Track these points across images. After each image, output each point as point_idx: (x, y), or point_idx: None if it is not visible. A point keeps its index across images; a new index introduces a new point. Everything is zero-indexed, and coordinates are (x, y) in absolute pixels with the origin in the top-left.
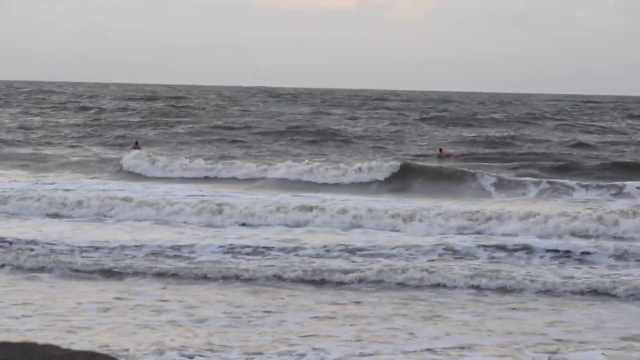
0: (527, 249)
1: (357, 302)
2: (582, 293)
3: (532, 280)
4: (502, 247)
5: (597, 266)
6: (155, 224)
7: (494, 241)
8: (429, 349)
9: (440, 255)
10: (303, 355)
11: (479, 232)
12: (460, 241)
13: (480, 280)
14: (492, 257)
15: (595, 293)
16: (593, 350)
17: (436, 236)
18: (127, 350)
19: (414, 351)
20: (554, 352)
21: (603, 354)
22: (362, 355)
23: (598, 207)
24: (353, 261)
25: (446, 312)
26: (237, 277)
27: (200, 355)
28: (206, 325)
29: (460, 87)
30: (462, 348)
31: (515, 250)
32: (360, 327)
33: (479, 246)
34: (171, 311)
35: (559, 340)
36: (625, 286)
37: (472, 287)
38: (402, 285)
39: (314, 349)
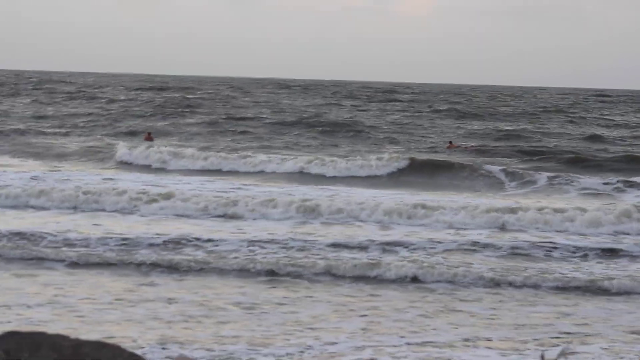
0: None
1: (373, 295)
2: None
3: (549, 274)
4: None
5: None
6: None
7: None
8: (432, 342)
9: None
10: (309, 347)
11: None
12: (479, 234)
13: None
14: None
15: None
16: (593, 344)
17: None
18: (135, 341)
19: (418, 343)
20: (568, 343)
21: (603, 347)
22: (364, 347)
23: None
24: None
25: (460, 306)
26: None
27: (206, 349)
28: (216, 316)
29: (471, 80)
30: (467, 340)
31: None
32: (371, 319)
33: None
34: (183, 302)
35: (567, 333)
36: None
37: (492, 282)
38: (416, 279)
39: (320, 340)
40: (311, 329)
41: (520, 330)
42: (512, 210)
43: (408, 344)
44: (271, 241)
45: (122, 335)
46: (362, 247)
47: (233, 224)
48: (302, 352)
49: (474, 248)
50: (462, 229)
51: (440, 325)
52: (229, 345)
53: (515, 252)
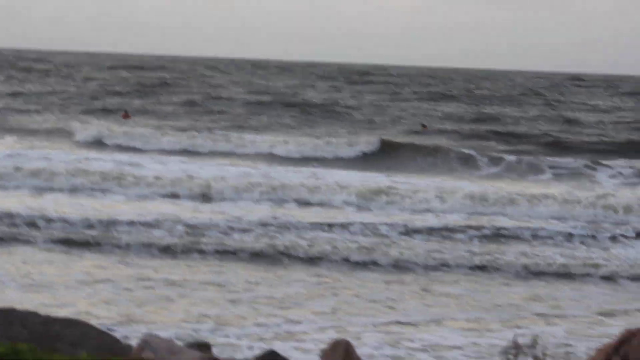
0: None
1: (350, 277)
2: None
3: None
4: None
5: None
6: None
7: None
8: (399, 322)
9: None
10: (277, 325)
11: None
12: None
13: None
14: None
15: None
16: (557, 325)
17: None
18: (103, 318)
19: (384, 323)
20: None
21: (567, 329)
22: (331, 327)
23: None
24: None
25: (438, 287)
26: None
27: (173, 327)
28: (188, 296)
29: (445, 63)
30: (435, 321)
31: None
32: (345, 299)
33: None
34: (156, 281)
35: (538, 314)
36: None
37: (470, 265)
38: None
39: (288, 320)
40: (282, 308)
41: (491, 311)
42: (483, 195)
43: (374, 324)
44: (248, 222)
45: (93, 313)
46: (344, 226)
47: (208, 207)
48: (266, 330)
49: (450, 231)
50: (434, 211)
51: (413, 306)
52: (196, 324)
53: (494, 235)
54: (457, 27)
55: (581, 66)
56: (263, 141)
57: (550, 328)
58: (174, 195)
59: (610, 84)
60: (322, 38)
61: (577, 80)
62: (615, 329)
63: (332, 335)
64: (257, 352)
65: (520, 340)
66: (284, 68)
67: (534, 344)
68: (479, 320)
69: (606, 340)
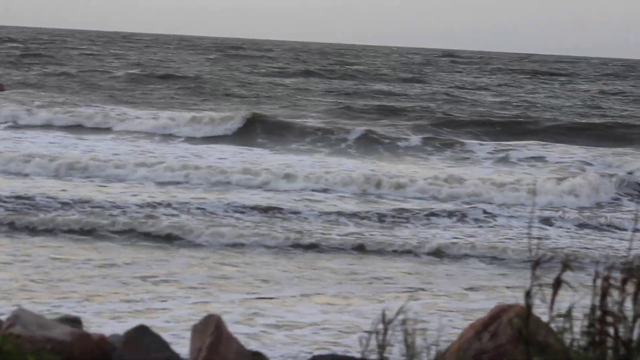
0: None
1: (228, 255)
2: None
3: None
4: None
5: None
6: None
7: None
8: (264, 297)
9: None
10: (138, 301)
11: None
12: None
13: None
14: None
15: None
16: (426, 300)
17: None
18: None
19: (251, 299)
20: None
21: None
22: (197, 303)
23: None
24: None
25: (327, 264)
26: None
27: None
28: (60, 272)
29: (310, 38)
30: (303, 296)
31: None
32: (223, 273)
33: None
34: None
35: (411, 288)
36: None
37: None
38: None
39: (157, 296)
40: (154, 284)
41: (360, 286)
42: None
43: (241, 300)
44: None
45: None
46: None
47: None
48: (137, 306)
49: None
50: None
51: (288, 282)
52: (66, 300)
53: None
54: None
55: (448, 44)
56: (138, 116)
57: (418, 303)
58: (33, 173)
59: (486, 60)
60: (198, 12)
61: (450, 56)
62: (481, 304)
63: (197, 309)
64: (127, 327)
65: (389, 316)
66: (152, 42)
67: (404, 320)
68: (342, 295)
69: (474, 314)
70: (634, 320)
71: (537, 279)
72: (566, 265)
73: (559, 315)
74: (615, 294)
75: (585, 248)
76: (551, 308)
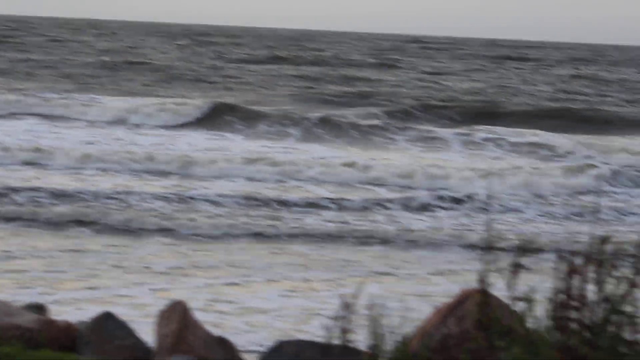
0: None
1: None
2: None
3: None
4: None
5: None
6: None
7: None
8: (209, 284)
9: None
10: (95, 288)
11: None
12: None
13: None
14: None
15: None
16: (391, 284)
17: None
18: None
19: (218, 284)
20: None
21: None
22: (168, 289)
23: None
24: None
25: (295, 248)
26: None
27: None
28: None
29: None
30: (270, 282)
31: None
32: (188, 261)
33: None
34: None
35: (379, 273)
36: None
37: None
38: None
39: (126, 282)
40: (121, 271)
41: (321, 271)
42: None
43: (206, 285)
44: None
45: None
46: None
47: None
48: (103, 293)
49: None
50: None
51: (257, 268)
52: (32, 288)
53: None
54: None
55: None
56: (109, 102)
57: (384, 286)
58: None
59: (456, 46)
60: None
61: (418, 42)
62: (444, 287)
63: (167, 296)
64: (92, 314)
65: (350, 301)
66: (120, 29)
67: (369, 305)
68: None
69: (439, 298)
70: (597, 304)
71: (489, 264)
72: (523, 249)
73: (519, 299)
74: (577, 279)
75: (552, 233)
76: (510, 291)
